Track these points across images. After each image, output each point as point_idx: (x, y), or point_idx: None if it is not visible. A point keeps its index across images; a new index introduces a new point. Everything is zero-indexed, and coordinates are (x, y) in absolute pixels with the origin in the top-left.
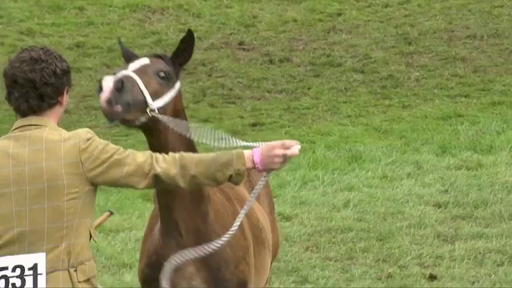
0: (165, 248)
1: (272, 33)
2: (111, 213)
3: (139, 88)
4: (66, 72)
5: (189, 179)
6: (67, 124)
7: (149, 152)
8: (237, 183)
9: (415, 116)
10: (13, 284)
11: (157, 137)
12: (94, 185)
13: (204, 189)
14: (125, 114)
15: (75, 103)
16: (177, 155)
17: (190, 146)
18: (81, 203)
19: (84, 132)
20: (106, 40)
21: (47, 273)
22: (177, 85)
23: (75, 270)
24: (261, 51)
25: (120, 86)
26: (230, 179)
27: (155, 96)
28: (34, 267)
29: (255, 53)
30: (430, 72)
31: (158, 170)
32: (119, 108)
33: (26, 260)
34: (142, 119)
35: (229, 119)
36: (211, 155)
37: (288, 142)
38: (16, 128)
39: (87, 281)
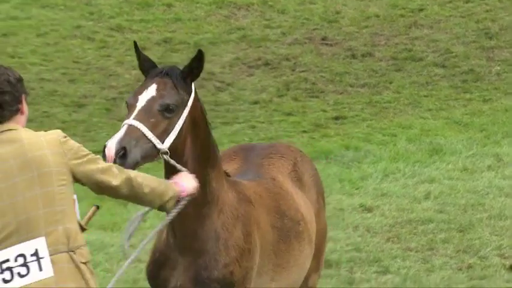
0: (166, 247)
1: (355, 29)
2: (98, 208)
3: (145, 136)
4: (20, 80)
5: (149, 190)
6: None
7: None
8: (169, 210)
9: (496, 110)
10: (18, 273)
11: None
12: (74, 179)
13: (212, 192)
14: (138, 166)
15: None
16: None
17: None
18: (69, 191)
19: (59, 131)
20: (193, 36)
21: (50, 256)
22: (190, 100)
23: (75, 253)
24: (343, 46)
25: (123, 154)
26: (167, 204)
27: (165, 134)
28: (36, 253)
29: (337, 48)
30: (511, 66)
31: (131, 174)
32: (129, 166)
33: (26, 247)
34: (157, 158)
35: (312, 112)
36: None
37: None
38: None
39: (85, 264)
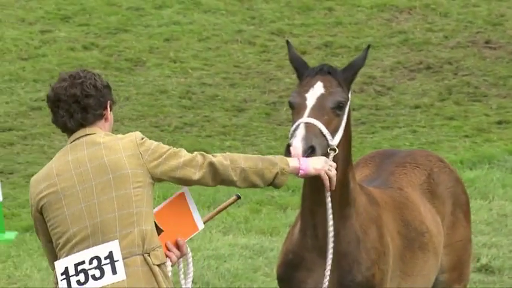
0: (301, 248)
1: None
2: (239, 197)
3: (323, 134)
4: (106, 86)
5: (239, 171)
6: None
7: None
8: (280, 184)
9: None
10: (93, 276)
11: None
12: (153, 179)
13: (351, 192)
14: None
15: None
16: (224, 153)
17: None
18: (145, 193)
19: (137, 132)
20: (353, 40)
21: (123, 259)
22: (350, 97)
23: (149, 255)
24: (507, 50)
25: (311, 152)
26: (275, 178)
27: (334, 132)
28: (110, 256)
29: (501, 51)
30: None
31: (213, 159)
32: None
33: (101, 250)
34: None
35: (474, 116)
36: (256, 155)
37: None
38: (72, 141)
39: (160, 266)
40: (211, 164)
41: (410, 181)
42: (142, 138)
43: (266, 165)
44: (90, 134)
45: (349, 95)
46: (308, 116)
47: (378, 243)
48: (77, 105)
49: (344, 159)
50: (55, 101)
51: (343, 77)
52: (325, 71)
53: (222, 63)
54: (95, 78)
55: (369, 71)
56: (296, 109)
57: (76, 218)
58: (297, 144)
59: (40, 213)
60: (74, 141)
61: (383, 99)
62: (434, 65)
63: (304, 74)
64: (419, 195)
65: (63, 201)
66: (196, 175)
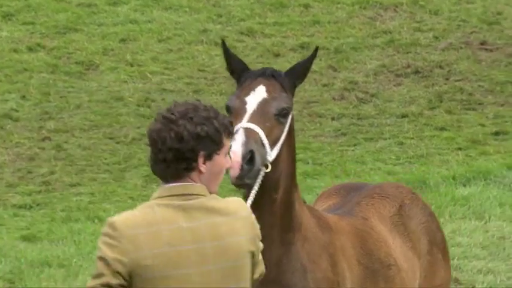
0: None
1: None
2: None
3: (262, 143)
4: (199, 136)
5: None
6: None
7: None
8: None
9: None
10: None
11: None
12: None
13: (296, 215)
14: (253, 181)
15: (299, 109)
16: None
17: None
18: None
19: (245, 205)
20: (333, 40)
21: None
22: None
23: None
24: (505, 52)
25: (250, 158)
26: None
27: (274, 143)
28: None
29: (498, 53)
30: None
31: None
32: (255, 173)
33: None
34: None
35: (468, 127)
36: None
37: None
38: (168, 196)
39: None
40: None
41: (378, 212)
42: (251, 213)
43: None
44: (197, 196)
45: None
46: (248, 121)
47: (330, 273)
48: (167, 152)
49: (287, 175)
50: (149, 139)
51: (288, 82)
52: (268, 74)
53: (185, 67)
54: (185, 126)
55: (351, 76)
56: (234, 113)
57: None
58: (237, 149)
59: (129, 277)
60: (175, 196)
61: (366, 108)
62: (423, 69)
63: (244, 76)
64: (388, 228)
65: (171, 281)
66: (255, 275)
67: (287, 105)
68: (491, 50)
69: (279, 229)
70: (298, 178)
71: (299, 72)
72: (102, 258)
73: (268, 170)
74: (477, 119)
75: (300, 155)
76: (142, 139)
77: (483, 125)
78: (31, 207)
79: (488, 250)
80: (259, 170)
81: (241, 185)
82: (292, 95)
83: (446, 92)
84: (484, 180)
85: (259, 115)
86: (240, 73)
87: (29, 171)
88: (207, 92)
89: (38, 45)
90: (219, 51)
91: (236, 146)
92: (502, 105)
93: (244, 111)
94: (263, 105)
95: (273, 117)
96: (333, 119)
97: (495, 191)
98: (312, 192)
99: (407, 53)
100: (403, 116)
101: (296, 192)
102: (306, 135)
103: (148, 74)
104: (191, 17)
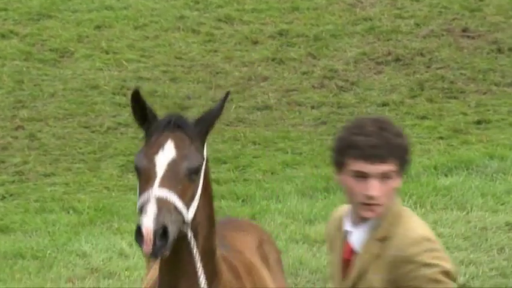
0: None
1: (501, 18)
2: None
3: (177, 209)
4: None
5: None
6: (267, 121)
7: None
8: None
9: None
10: None
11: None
12: None
13: (217, 263)
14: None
15: (278, 98)
16: None
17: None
18: None
19: None
20: (312, 28)
21: None
22: (205, 155)
23: None
24: (487, 39)
25: (162, 232)
26: None
27: (190, 201)
28: None
29: (481, 40)
30: None
31: None
32: (168, 247)
33: None
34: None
35: (450, 115)
36: None
37: None
38: None
39: None
40: None
41: (245, 246)
42: None
43: None
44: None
45: (205, 151)
46: (160, 186)
47: None
48: None
49: (207, 222)
50: None
51: (197, 132)
52: (174, 126)
53: (162, 55)
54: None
55: (330, 64)
56: (144, 176)
57: None
58: (149, 225)
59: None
60: None
61: (346, 96)
62: (404, 57)
63: (150, 128)
64: (259, 260)
65: None
66: None
67: (198, 163)
68: (473, 37)
69: (206, 277)
70: (278, 168)
71: (209, 121)
72: None
73: (188, 227)
74: (459, 108)
75: (279, 145)
76: (118, 128)
77: (465, 114)
78: (4, 197)
79: (470, 241)
80: (174, 241)
81: (158, 255)
82: (203, 144)
83: (428, 80)
84: (466, 170)
85: (170, 179)
86: (149, 124)
87: (1, 160)
88: (184, 80)
89: (11, 32)
90: (196, 38)
91: (147, 222)
92: (485, 93)
93: (154, 174)
94: (173, 166)
95: (184, 178)
96: (312, 107)
97: (477, 181)
98: (292, 182)
99: (388, 40)
100: (384, 104)
101: (216, 237)
102: (285, 124)
103: (124, 62)
104: (168, 3)
